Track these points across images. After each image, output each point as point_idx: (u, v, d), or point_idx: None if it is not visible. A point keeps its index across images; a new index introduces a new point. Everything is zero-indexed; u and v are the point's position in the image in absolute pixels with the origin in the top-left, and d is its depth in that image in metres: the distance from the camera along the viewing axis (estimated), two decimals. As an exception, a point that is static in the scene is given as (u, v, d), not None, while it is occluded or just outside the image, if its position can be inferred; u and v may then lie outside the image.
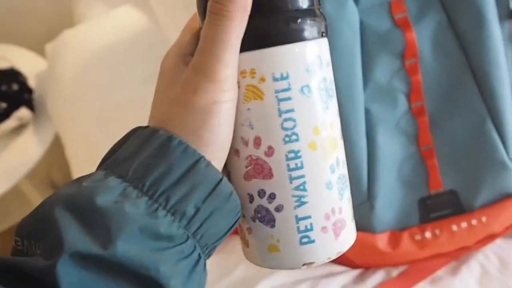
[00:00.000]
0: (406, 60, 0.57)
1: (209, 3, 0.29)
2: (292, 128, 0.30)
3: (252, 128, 0.30)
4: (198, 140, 0.29)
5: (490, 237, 0.64)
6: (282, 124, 0.30)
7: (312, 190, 0.31)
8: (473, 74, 0.57)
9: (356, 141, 0.57)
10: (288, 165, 0.30)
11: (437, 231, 0.60)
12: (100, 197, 0.27)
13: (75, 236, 0.26)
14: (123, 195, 0.27)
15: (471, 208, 0.60)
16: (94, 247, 0.26)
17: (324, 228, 0.32)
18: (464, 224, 0.60)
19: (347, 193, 0.33)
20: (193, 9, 0.84)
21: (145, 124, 0.33)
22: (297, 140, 0.30)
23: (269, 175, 0.31)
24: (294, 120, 0.30)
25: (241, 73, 0.30)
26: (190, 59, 0.31)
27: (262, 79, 0.29)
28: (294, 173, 0.30)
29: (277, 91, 0.29)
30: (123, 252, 0.26)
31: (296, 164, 0.30)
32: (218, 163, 0.30)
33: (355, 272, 0.65)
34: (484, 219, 0.60)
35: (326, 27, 0.32)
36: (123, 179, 0.28)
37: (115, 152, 0.30)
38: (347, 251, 0.61)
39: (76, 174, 0.89)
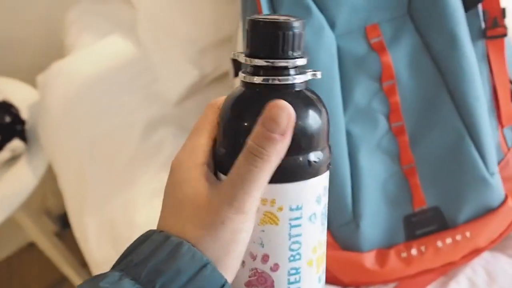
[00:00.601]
0: (384, 82, 0.59)
1: (249, 144, 0.31)
2: (298, 250, 0.34)
3: (263, 247, 0.34)
4: (222, 267, 0.32)
5: (476, 252, 0.65)
6: (290, 246, 0.34)
7: None
8: (450, 93, 0.59)
9: (339, 163, 0.58)
10: (289, 279, 0.34)
11: (422, 248, 0.61)
12: None
13: None
14: None
15: (455, 223, 0.61)
16: None
17: None
18: (449, 240, 0.61)
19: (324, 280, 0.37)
20: (178, 36, 0.85)
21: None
22: (299, 259, 0.34)
23: (271, 286, 0.34)
24: (300, 243, 0.34)
25: (262, 201, 0.33)
26: (207, 170, 0.34)
27: (280, 209, 0.33)
28: (292, 286, 0.34)
29: (291, 219, 0.33)
30: None
31: (295, 279, 0.34)
32: (230, 276, 0.33)
33: (346, 291, 0.66)
34: (468, 234, 0.61)
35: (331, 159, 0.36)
36: (136, 281, 0.31)
37: (131, 252, 0.33)
38: (336, 270, 0.63)
39: (69, 202, 0.90)
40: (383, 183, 0.61)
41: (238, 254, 0.32)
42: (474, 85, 0.59)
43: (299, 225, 0.33)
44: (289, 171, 0.32)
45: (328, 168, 0.34)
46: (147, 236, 0.33)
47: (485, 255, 0.69)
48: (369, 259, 0.61)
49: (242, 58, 0.33)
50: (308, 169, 0.33)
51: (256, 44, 0.32)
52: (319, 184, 0.34)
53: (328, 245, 0.59)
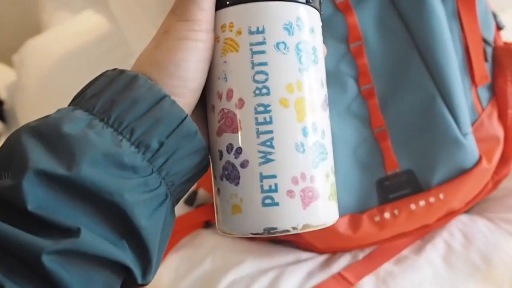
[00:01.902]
0: (351, 43, 0.57)
1: None
2: (264, 82, 0.30)
3: (226, 81, 0.31)
4: (162, 71, 0.30)
5: (451, 214, 0.65)
6: (253, 76, 0.30)
7: (279, 148, 0.30)
8: (420, 53, 0.58)
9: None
10: (256, 118, 0.30)
11: (396, 211, 0.61)
12: (67, 125, 0.28)
13: (40, 157, 0.27)
14: (89, 126, 0.29)
15: (429, 186, 0.61)
16: (59, 168, 0.27)
17: (290, 192, 0.30)
18: (422, 203, 0.61)
19: (325, 167, 0.32)
20: (149, 6, 0.83)
21: None
22: (267, 94, 0.30)
23: (237, 128, 0.31)
24: (266, 74, 0.30)
25: (221, 27, 0.31)
26: None
27: (239, 32, 0.30)
28: (262, 128, 0.30)
29: (251, 44, 0.30)
30: (86, 175, 0.27)
31: (264, 119, 0.30)
32: (186, 106, 0.31)
33: (322, 258, 0.65)
34: (442, 196, 0.61)
35: (319, 2, 0.33)
36: (89, 112, 0.29)
37: (85, 90, 0.32)
38: (309, 237, 0.62)
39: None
40: (354, 147, 0.60)
41: (182, 63, 0.30)
42: (444, 44, 0.58)
43: (262, 51, 0.30)
44: None
45: (308, 3, 0.31)
46: (101, 74, 0.32)
47: (463, 217, 0.69)
48: (342, 224, 0.60)
49: None
50: None
51: None
52: (286, 10, 0.31)
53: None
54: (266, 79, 0.30)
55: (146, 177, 0.29)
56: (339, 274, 0.62)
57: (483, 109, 0.64)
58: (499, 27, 0.66)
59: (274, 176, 0.30)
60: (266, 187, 0.30)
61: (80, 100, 0.30)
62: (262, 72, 0.30)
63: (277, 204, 0.30)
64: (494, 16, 0.65)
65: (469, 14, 0.60)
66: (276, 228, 0.31)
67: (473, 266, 0.63)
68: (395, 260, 0.64)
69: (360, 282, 0.62)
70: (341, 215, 0.61)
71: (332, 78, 0.58)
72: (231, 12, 0.31)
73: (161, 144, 0.29)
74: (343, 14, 0.56)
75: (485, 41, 0.62)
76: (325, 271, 0.63)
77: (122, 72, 0.31)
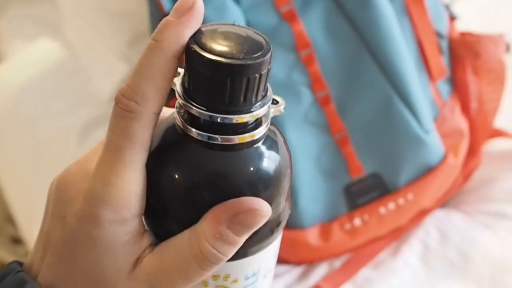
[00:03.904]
0: (300, 52, 0.56)
1: (203, 245, 0.24)
2: None
3: None
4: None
5: (423, 213, 0.64)
6: None
7: None
8: (372, 54, 0.57)
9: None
10: None
11: (366, 217, 0.59)
12: None
13: None
14: None
15: (396, 187, 0.59)
16: None
17: None
18: (391, 205, 0.59)
19: None
20: (102, 31, 0.82)
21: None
22: None
23: None
24: None
25: (213, 277, 0.28)
26: (139, 227, 0.26)
27: (235, 281, 0.28)
28: None
29: (245, 286, 0.28)
30: None
31: None
32: None
33: (298, 270, 0.64)
34: (410, 196, 0.60)
35: None
36: None
37: None
38: (281, 251, 0.61)
39: (17, 217, 0.88)
40: (317, 156, 0.58)
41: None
42: (395, 42, 0.56)
43: (252, 287, 0.29)
44: (247, 247, 0.26)
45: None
46: (3, 276, 0.26)
47: (438, 213, 0.68)
48: (312, 236, 0.59)
49: (179, 96, 0.24)
50: (270, 238, 0.27)
51: (203, 88, 0.23)
52: (277, 242, 0.28)
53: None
54: None
55: None
56: (316, 285, 0.61)
57: (444, 104, 0.63)
58: (452, 18, 0.65)
59: None
60: None
61: None
62: None
63: None
64: (447, 7, 0.64)
65: (419, 9, 0.59)
66: None
67: (451, 263, 0.62)
68: (373, 265, 0.63)
69: (338, 291, 0.61)
70: (310, 225, 0.60)
71: (285, 89, 0.57)
72: (229, 267, 0.27)
73: None
74: (288, 23, 0.55)
75: (438, 34, 0.61)
76: (303, 283, 0.62)
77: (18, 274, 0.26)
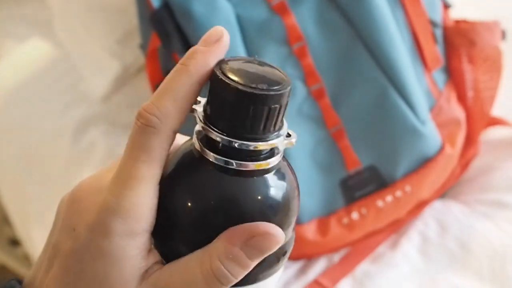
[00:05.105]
0: (293, 45, 0.55)
1: (215, 264, 0.24)
2: None
3: None
4: None
5: (421, 204, 0.63)
6: None
7: None
8: (365, 45, 0.56)
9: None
10: None
11: (363, 211, 0.59)
12: None
13: None
14: None
15: (394, 179, 0.59)
16: None
17: None
18: (389, 198, 0.59)
19: None
20: (93, 29, 0.81)
21: None
22: None
23: None
24: None
25: None
26: (147, 243, 0.26)
27: None
28: None
29: None
30: None
31: None
32: None
33: (297, 265, 0.63)
34: (408, 188, 0.59)
35: None
36: None
37: None
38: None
39: (14, 219, 0.88)
40: (312, 150, 0.58)
41: None
42: (389, 33, 0.56)
43: None
44: (254, 273, 0.26)
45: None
46: None
47: (437, 205, 0.67)
48: (309, 230, 0.58)
49: (200, 121, 0.25)
50: (276, 266, 0.27)
51: (224, 114, 0.24)
52: (281, 271, 0.28)
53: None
54: None
55: None
56: (315, 281, 0.60)
57: (440, 93, 0.62)
58: (446, 6, 0.64)
59: None
60: None
61: None
62: None
63: None
64: (440, -5, 0.64)
65: (412, -2, 0.58)
66: None
67: (451, 255, 0.62)
68: (371, 259, 0.62)
69: (337, 285, 0.60)
70: (307, 220, 0.59)
71: (278, 83, 0.56)
72: None
73: None
74: (280, 15, 0.54)
75: (432, 23, 0.60)
76: (302, 279, 0.62)
77: None
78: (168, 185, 0.26)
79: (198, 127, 0.26)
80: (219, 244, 0.24)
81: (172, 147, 0.26)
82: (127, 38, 0.79)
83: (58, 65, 0.86)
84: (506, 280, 0.58)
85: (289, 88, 0.24)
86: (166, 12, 0.53)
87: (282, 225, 0.25)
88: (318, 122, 0.57)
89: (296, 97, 0.56)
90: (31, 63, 0.88)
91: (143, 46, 0.63)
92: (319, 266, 0.63)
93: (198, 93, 0.25)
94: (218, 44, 0.25)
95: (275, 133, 0.25)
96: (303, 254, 0.61)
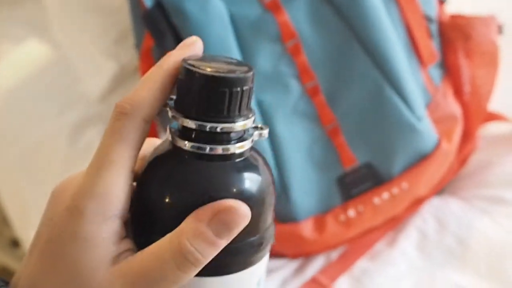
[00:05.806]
0: (286, 42, 0.55)
1: (184, 244, 0.24)
2: None
3: None
4: None
5: (419, 201, 0.63)
6: None
7: None
8: (360, 42, 0.56)
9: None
10: None
11: (360, 208, 0.59)
12: None
13: None
14: None
15: (390, 176, 0.59)
16: None
17: None
18: (385, 195, 0.59)
19: None
20: (89, 29, 0.81)
21: None
22: None
23: None
24: None
25: None
26: (120, 227, 0.26)
27: None
28: None
29: None
30: None
31: None
32: None
33: (295, 263, 0.63)
34: (405, 185, 0.59)
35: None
36: None
37: None
38: (276, 245, 0.60)
39: (15, 221, 0.88)
40: (308, 148, 0.57)
41: None
42: (383, 29, 0.55)
43: None
44: (225, 263, 0.26)
45: (272, 244, 0.29)
46: None
47: (435, 201, 0.67)
48: (306, 228, 0.58)
49: (170, 110, 0.27)
50: (253, 256, 0.27)
51: (190, 100, 0.25)
52: (260, 268, 0.28)
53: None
54: None
55: None
56: (313, 278, 0.60)
57: (436, 89, 0.61)
58: (441, 1, 0.63)
59: None
60: None
61: None
62: None
63: None
64: (435, -10, 0.63)
65: (406, -6, 0.57)
66: None
67: (449, 251, 0.61)
68: (369, 256, 0.62)
69: (335, 283, 0.60)
70: (304, 218, 0.59)
71: (273, 81, 0.56)
72: (202, 283, 0.27)
73: None
74: (273, 13, 0.54)
75: (427, 18, 0.60)
76: (300, 277, 0.61)
77: None
78: (143, 176, 0.27)
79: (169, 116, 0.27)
80: (186, 222, 0.25)
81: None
82: (123, 39, 0.78)
83: (55, 66, 0.86)
84: (504, 276, 0.58)
85: (250, 73, 0.25)
86: (158, 11, 0.53)
87: (256, 211, 0.26)
88: (314, 119, 0.57)
89: (291, 95, 0.56)
90: (28, 64, 0.88)
91: (137, 46, 0.63)
92: (316, 264, 0.62)
93: (171, 85, 0.27)
94: (191, 47, 0.27)
95: (241, 118, 0.26)
96: (301, 252, 0.61)
